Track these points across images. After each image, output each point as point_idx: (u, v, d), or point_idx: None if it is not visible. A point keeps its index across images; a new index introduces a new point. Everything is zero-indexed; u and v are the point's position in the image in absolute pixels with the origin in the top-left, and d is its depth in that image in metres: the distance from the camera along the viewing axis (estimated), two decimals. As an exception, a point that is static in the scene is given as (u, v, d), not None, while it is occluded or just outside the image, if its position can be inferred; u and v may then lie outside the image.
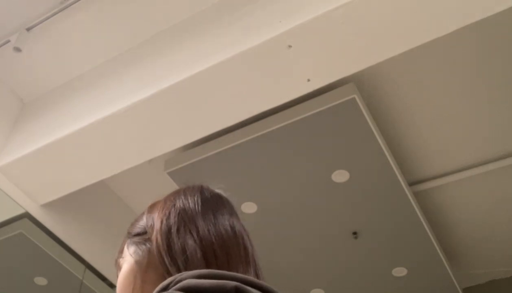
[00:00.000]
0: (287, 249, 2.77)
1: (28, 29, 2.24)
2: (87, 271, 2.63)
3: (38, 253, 2.56)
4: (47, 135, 2.19)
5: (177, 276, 0.60)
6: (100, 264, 2.65)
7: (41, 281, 2.69)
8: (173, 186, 2.48)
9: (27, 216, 2.41)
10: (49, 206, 2.42)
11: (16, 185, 2.30)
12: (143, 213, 0.83)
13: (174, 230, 0.75)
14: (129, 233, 0.82)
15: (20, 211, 2.39)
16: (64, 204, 2.48)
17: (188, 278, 0.59)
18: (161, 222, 0.77)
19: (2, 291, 2.62)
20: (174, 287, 0.57)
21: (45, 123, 2.28)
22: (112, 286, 2.76)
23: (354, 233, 2.66)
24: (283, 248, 2.75)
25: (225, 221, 0.79)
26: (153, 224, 0.78)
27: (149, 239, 0.77)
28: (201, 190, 0.84)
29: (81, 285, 2.62)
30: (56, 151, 2.17)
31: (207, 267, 0.71)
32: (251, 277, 0.62)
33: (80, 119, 2.13)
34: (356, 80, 2.27)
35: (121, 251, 0.82)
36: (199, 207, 0.79)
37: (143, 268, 0.75)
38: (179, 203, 0.80)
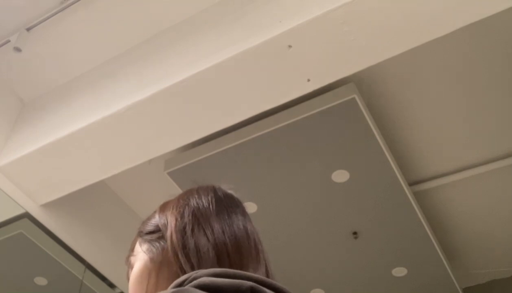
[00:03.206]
0: (287, 249, 2.77)
1: (28, 29, 2.24)
2: (87, 271, 2.63)
3: (38, 253, 2.57)
4: (47, 135, 2.19)
5: (192, 274, 0.60)
6: (100, 264, 2.65)
7: (41, 281, 2.69)
8: (173, 186, 2.49)
9: (27, 216, 2.41)
10: (49, 206, 2.42)
11: (16, 185, 2.30)
12: (155, 212, 0.84)
13: (188, 228, 0.76)
14: (141, 231, 0.82)
15: (20, 211, 2.39)
16: (64, 204, 2.48)
17: (203, 276, 0.59)
18: (176, 220, 0.78)
19: (2, 291, 2.62)
20: (189, 284, 0.57)
21: (45, 123, 2.28)
22: (112, 286, 2.76)
23: (354, 233, 2.66)
24: (283, 248, 2.75)
25: (238, 221, 0.80)
26: (167, 223, 0.79)
27: (162, 237, 0.77)
28: (214, 190, 0.85)
29: (81, 285, 2.62)
30: (56, 151, 2.17)
31: (220, 266, 0.71)
32: (265, 278, 0.63)
33: (80, 119, 2.13)
34: (356, 80, 2.27)
35: (132, 249, 0.83)
36: (213, 207, 0.80)
37: (157, 266, 0.75)
38: (193, 202, 0.81)
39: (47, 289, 2.71)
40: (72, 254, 2.58)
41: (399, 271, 2.83)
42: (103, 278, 2.71)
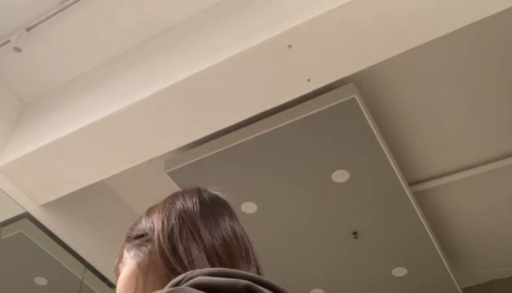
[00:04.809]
0: (287, 249, 2.77)
1: (28, 29, 2.24)
2: (87, 271, 2.63)
3: (38, 253, 2.57)
4: (47, 135, 2.19)
5: (188, 274, 0.60)
6: (100, 264, 2.66)
7: (41, 281, 2.69)
8: (173, 186, 2.49)
9: (27, 216, 2.41)
10: (49, 206, 2.42)
11: (16, 185, 2.30)
12: (141, 217, 0.83)
13: (176, 231, 0.75)
14: (128, 237, 0.82)
15: (20, 211, 2.39)
16: (64, 204, 2.48)
17: (199, 275, 0.59)
18: (162, 223, 0.77)
19: (2, 291, 2.62)
20: (186, 284, 0.57)
21: (45, 123, 2.28)
22: (112, 286, 2.76)
23: (354, 233, 2.66)
24: (283, 248, 2.75)
25: (225, 223, 0.80)
26: (153, 226, 0.78)
27: (149, 241, 0.77)
28: (199, 192, 0.84)
29: (81, 285, 2.62)
30: (56, 151, 2.17)
31: (212, 267, 0.71)
32: (261, 276, 0.63)
33: (80, 119, 2.13)
34: (356, 80, 2.27)
35: (120, 257, 0.82)
36: (198, 209, 0.80)
37: (145, 270, 0.75)
38: (179, 205, 0.80)
39: (47, 289, 2.71)
40: (72, 254, 2.58)
41: (399, 271, 2.83)
42: (103, 278, 2.71)
